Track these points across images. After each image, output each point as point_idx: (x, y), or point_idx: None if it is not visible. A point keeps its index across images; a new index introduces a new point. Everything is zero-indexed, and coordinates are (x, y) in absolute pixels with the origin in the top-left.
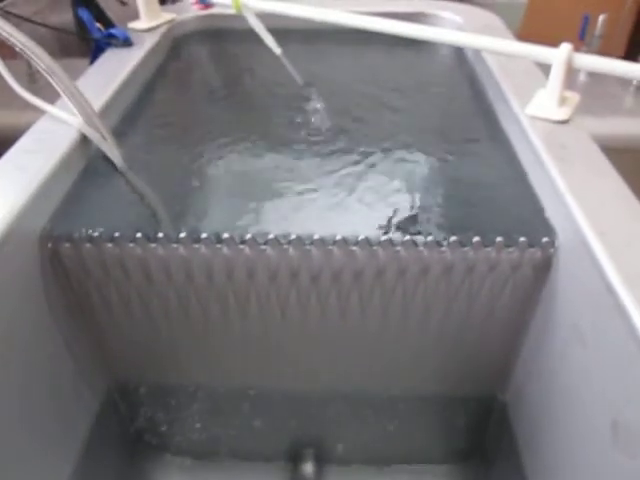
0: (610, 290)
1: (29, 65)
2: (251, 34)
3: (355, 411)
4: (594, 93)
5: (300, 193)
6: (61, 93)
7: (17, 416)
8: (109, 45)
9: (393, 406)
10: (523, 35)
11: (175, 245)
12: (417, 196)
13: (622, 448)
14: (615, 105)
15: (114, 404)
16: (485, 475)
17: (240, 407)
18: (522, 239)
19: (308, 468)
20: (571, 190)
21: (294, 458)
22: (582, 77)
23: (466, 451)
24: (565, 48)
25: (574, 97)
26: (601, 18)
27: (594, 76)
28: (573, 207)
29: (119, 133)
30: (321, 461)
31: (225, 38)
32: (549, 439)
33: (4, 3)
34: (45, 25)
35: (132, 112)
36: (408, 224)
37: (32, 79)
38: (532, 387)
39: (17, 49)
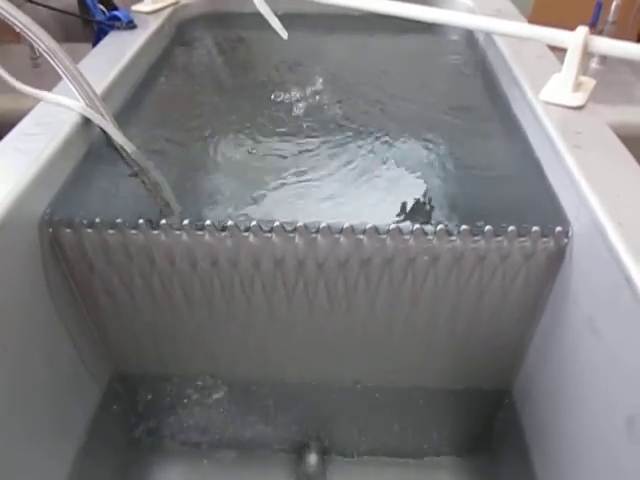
0: (629, 282)
1: (32, 50)
2: (256, 17)
3: (361, 403)
4: (606, 81)
5: (300, 178)
6: (62, 75)
7: (16, 403)
8: (112, 28)
9: (400, 398)
10: (534, 21)
11: (179, 232)
12: (426, 183)
13: (638, 444)
14: (628, 93)
15: (116, 394)
16: (493, 468)
17: (243, 398)
18: (535, 228)
19: (312, 459)
20: (586, 178)
21: (299, 450)
22: (594, 65)
23: (473, 444)
24: (581, 31)
25: (590, 82)
26: (614, 4)
27: (606, 64)
28: (589, 196)
29: (121, 117)
30: (327, 453)
31: (230, 21)
32: (557, 432)
33: None
34: (46, 6)
35: (135, 96)
36: (417, 212)
37: (35, 64)
38: (541, 380)
39: (17, 30)
